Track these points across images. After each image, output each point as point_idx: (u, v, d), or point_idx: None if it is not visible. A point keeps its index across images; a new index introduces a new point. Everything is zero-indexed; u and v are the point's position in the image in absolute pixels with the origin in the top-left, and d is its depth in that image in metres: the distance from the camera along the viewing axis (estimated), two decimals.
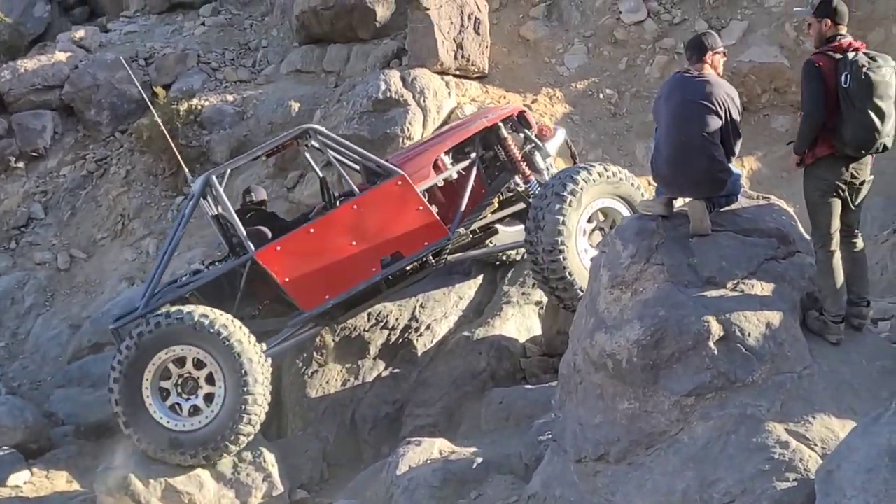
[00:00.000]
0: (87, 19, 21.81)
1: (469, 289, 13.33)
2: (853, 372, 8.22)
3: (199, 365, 11.18)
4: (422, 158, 12.12)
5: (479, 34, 17.16)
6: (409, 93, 16.17)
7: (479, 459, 10.55)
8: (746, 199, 9.12)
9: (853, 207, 8.29)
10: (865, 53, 7.99)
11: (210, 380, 11.20)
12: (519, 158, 12.33)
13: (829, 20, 8.19)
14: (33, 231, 16.66)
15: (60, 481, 12.53)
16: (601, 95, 16.79)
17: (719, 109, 8.51)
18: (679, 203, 8.79)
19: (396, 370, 12.10)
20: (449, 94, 16.44)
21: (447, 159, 12.26)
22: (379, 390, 12.61)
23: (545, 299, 13.17)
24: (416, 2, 16.90)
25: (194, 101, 17.48)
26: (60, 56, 18.69)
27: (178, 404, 11.24)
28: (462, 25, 17.02)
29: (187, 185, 14.28)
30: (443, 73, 16.79)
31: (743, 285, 8.30)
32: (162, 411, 11.16)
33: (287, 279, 11.53)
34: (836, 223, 8.26)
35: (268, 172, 16.22)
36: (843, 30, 8.14)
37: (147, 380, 11.13)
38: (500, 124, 12.37)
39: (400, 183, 11.74)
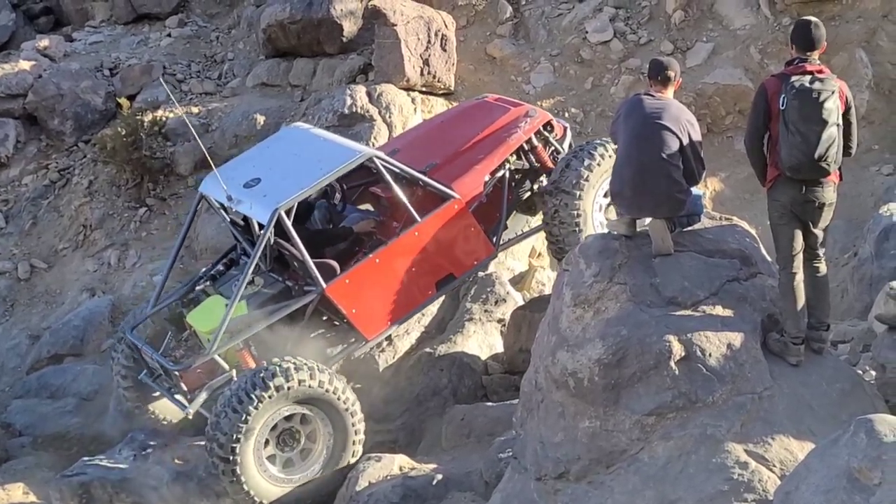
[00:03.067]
0: (52, 28, 21.65)
1: (431, 305, 13.32)
2: (813, 393, 8.27)
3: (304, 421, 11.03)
4: (472, 177, 12.02)
5: (445, 51, 17.21)
6: (375, 108, 16.20)
7: (440, 476, 10.55)
8: (709, 219, 9.16)
9: (814, 230, 8.34)
10: (815, 78, 8.03)
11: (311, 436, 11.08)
12: (550, 165, 12.36)
13: (792, 44, 8.27)
14: None
15: (17, 492, 12.42)
16: (567, 114, 16.85)
17: (679, 132, 8.55)
18: (642, 223, 8.82)
19: (358, 385, 12.07)
20: (415, 109, 16.47)
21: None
22: None
23: (507, 316, 13.22)
24: (383, 17, 16.93)
25: (159, 113, 17.42)
26: (24, 65, 18.58)
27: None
28: (429, 42, 17.07)
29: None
30: (409, 88, 16.83)
31: (705, 306, 8.33)
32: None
33: (354, 311, 11.44)
34: (797, 245, 8.30)
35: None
36: (809, 55, 8.17)
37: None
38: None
39: (457, 206, 11.75)
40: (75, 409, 14.12)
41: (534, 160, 12.48)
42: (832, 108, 7.94)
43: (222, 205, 11.89)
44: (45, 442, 13.78)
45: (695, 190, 8.81)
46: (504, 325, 13.40)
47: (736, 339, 8.16)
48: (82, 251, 16.35)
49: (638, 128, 8.61)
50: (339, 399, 10.92)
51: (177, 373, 11.30)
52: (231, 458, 10.53)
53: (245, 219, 11.93)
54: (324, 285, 11.22)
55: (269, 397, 10.53)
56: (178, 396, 11.59)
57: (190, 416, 11.38)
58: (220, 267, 12.33)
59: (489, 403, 12.04)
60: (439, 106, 16.86)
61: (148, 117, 17.26)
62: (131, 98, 18.03)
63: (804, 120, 7.92)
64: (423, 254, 11.67)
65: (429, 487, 10.42)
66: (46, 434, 13.85)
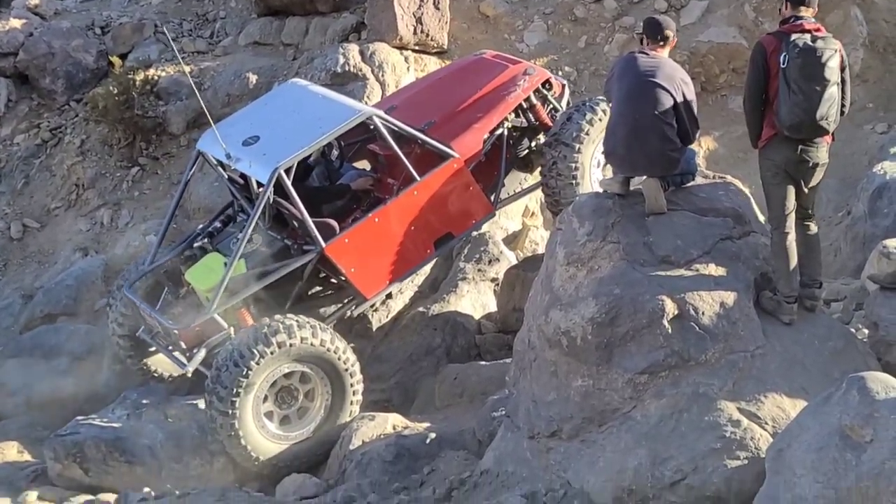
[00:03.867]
0: None
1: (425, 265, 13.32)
2: (805, 352, 8.29)
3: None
4: (472, 136, 12.00)
5: (438, 9, 17.12)
6: (368, 67, 16.13)
7: (433, 435, 10.57)
8: (703, 178, 9.15)
9: (806, 190, 8.33)
10: (815, 36, 8.01)
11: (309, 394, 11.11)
12: (548, 123, 12.35)
13: (785, 1, 8.23)
14: None
15: (11, 451, 12.44)
16: (560, 73, 16.77)
17: (673, 90, 8.53)
18: (636, 182, 8.81)
19: (351, 345, 12.07)
20: (407, 68, 16.41)
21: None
22: None
23: (501, 276, 13.20)
24: None
25: (151, 72, 17.35)
26: (15, 23, 18.46)
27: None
28: (422, 0, 16.97)
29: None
30: (402, 47, 16.75)
31: (698, 264, 8.33)
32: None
33: (353, 270, 11.44)
34: (789, 205, 8.30)
35: None
36: (804, 12, 8.14)
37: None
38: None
39: (456, 165, 11.74)
40: (69, 369, 14.11)
41: (532, 118, 12.46)
42: (834, 68, 7.93)
43: (220, 162, 11.83)
44: (39, 401, 13.78)
45: (688, 149, 8.79)
46: (497, 285, 13.39)
47: (729, 297, 8.16)
48: (75, 210, 16.32)
49: (632, 86, 8.59)
50: (339, 359, 10.95)
51: (175, 331, 11.29)
52: (230, 412, 10.57)
53: (243, 176, 11.90)
54: (323, 244, 11.20)
55: (271, 353, 10.58)
56: (176, 354, 11.60)
57: (189, 374, 11.43)
58: (218, 224, 12.29)
59: (482, 363, 12.05)
60: (432, 64, 16.79)
61: (140, 76, 17.18)
62: (123, 57, 17.93)
63: (806, 79, 7.89)
64: (421, 213, 11.66)
65: (422, 446, 10.44)
66: (40, 393, 13.83)
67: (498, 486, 8.91)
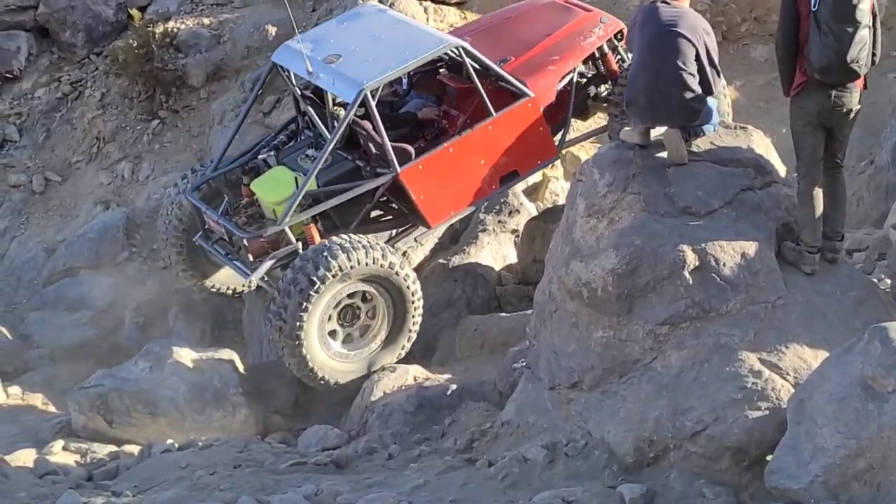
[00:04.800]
0: None
1: None
2: (827, 302, 8.25)
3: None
4: (547, 78, 12.10)
5: None
6: None
7: (454, 386, 10.59)
8: (724, 128, 9.07)
9: (839, 137, 8.27)
10: None
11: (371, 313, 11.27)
12: (617, 72, 12.42)
13: None
14: (8, 153, 16.56)
15: (36, 403, 12.54)
16: None
17: (695, 40, 8.45)
18: (656, 133, 8.75)
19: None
20: (427, 20, 16.30)
21: None
22: None
23: (521, 227, 13.17)
24: None
25: (170, 24, 17.29)
26: None
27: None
28: None
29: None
30: None
31: (719, 215, 8.28)
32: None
33: (422, 197, 11.50)
34: (819, 153, 8.23)
35: (244, 97, 16.08)
36: None
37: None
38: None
39: (530, 105, 11.80)
40: (91, 322, 14.21)
41: (602, 66, 12.50)
42: (865, 10, 7.83)
43: (293, 75, 11.91)
44: (63, 354, 13.87)
45: (710, 99, 8.72)
46: (517, 236, 13.37)
47: (750, 248, 8.11)
48: (96, 164, 16.33)
49: (653, 36, 8.51)
50: (404, 281, 11.08)
51: (244, 240, 11.32)
52: (295, 332, 10.70)
53: (316, 93, 11.95)
54: (399, 169, 11.25)
55: (341, 272, 10.67)
56: (237, 263, 11.68)
57: (252, 285, 11.57)
58: (282, 138, 12.32)
59: (503, 314, 12.05)
60: (452, 16, 16.69)
61: (159, 29, 17.13)
62: (142, 9, 17.89)
63: (837, 20, 7.79)
64: (493, 148, 11.76)
65: (443, 397, 10.47)
66: (63, 346, 13.93)
67: (519, 437, 8.92)
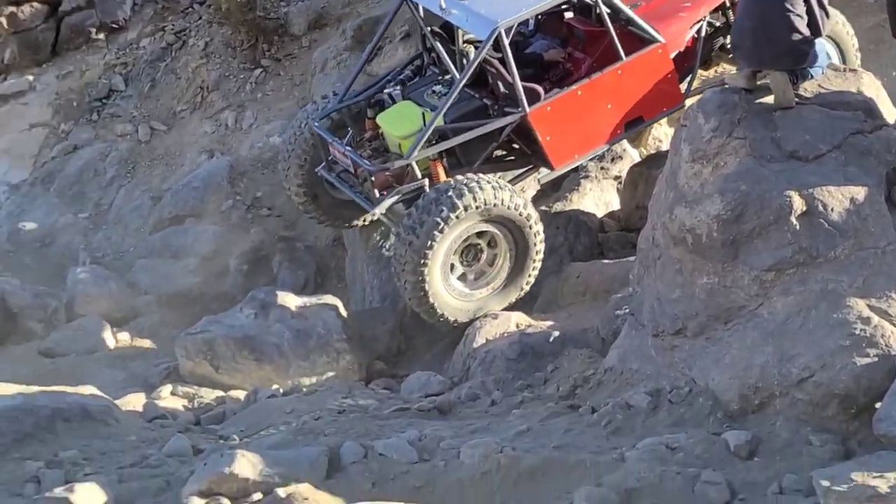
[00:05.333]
0: None
1: None
2: None
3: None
4: (678, 24, 12.06)
5: None
6: None
7: (556, 333, 10.57)
8: (832, 71, 8.91)
9: None
10: None
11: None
12: None
13: None
14: (114, 103, 16.72)
15: (144, 349, 12.76)
16: None
17: None
18: (763, 76, 8.62)
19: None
20: None
21: None
22: None
23: (624, 173, 13.07)
24: None
25: None
26: None
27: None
28: None
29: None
30: None
31: (827, 159, 8.15)
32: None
33: (548, 138, 11.50)
34: None
35: (346, 45, 16.09)
36: None
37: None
38: None
39: (660, 51, 11.76)
40: (197, 269, 14.36)
41: (730, 16, 12.31)
42: None
43: (423, 10, 11.91)
44: (170, 300, 14.05)
45: (817, 41, 8.56)
46: (620, 183, 13.26)
47: (859, 193, 7.98)
48: (200, 113, 16.44)
49: None
50: (527, 223, 11.09)
51: (371, 172, 11.36)
52: (419, 269, 10.77)
53: (445, 29, 12.00)
54: (528, 109, 11.24)
55: (466, 212, 10.72)
56: (360, 196, 11.76)
57: (374, 217, 11.67)
58: (408, 72, 12.37)
59: (605, 261, 11.98)
60: None
61: None
62: None
63: None
64: (621, 93, 11.70)
65: (545, 344, 10.46)
66: (170, 293, 14.11)
67: (622, 384, 8.89)
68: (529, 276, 11.41)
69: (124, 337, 13.11)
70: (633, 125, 12.02)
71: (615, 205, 13.15)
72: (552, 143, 11.56)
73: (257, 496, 7.93)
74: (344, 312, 12.12)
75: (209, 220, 14.97)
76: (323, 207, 12.80)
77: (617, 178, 13.25)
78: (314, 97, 15.64)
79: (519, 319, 11.03)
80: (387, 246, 12.95)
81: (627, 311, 9.45)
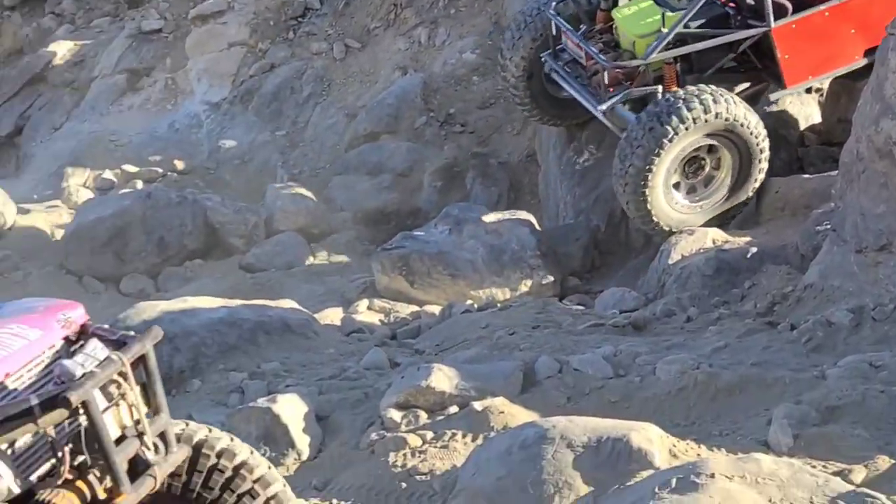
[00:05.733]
0: None
1: None
2: None
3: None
4: None
5: None
6: None
7: (754, 249, 10.40)
8: None
9: None
10: None
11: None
12: None
13: None
14: (310, 21, 16.87)
15: (340, 263, 12.99)
16: None
17: None
18: None
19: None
20: None
21: None
22: None
23: (826, 86, 12.70)
24: None
25: None
26: None
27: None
28: None
29: None
30: None
31: None
32: None
33: (787, 56, 11.28)
34: None
35: None
36: None
37: None
38: None
39: None
40: (392, 185, 14.51)
41: None
42: None
43: None
44: (365, 217, 14.24)
45: None
46: (822, 95, 12.90)
47: None
48: (393, 30, 16.49)
49: None
50: (752, 134, 10.91)
51: (605, 66, 11.23)
52: (643, 176, 10.68)
53: None
54: (773, 24, 11.04)
55: (694, 123, 10.58)
56: (585, 90, 11.64)
57: (600, 115, 11.40)
58: None
59: (805, 175, 11.70)
60: None
61: None
62: None
63: None
64: (868, 19, 11.22)
65: (742, 260, 10.30)
66: (365, 209, 14.29)
67: (822, 301, 8.72)
68: (750, 192, 11.24)
69: (321, 253, 13.37)
70: (871, 53, 11.53)
71: (816, 118, 12.80)
72: (789, 62, 11.27)
73: (453, 409, 8.03)
74: (538, 228, 12.14)
75: (403, 136, 15.09)
76: (535, 98, 12.59)
77: (818, 90, 12.89)
78: (506, 13, 15.58)
79: (715, 235, 10.87)
80: (580, 161, 12.88)
81: (828, 226, 9.23)
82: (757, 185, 11.24)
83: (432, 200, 14.16)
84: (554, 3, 11.89)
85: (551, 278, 11.59)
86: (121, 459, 4.34)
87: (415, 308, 11.19)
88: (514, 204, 13.77)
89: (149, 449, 4.53)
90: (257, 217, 14.04)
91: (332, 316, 10.91)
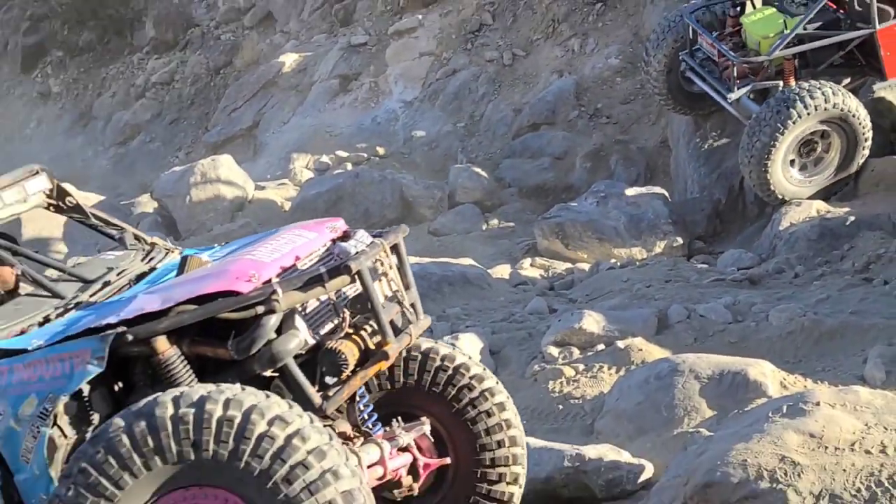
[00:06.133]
0: None
1: None
2: None
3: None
4: None
5: None
6: None
7: (852, 218, 10.15)
8: None
9: None
10: None
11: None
12: None
13: None
14: (484, 34, 16.84)
15: (508, 230, 13.04)
16: None
17: None
18: None
19: None
20: None
21: None
22: None
23: None
24: None
25: None
26: None
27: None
28: None
29: None
30: None
31: None
32: None
33: (888, 53, 10.90)
34: None
35: None
36: None
37: None
38: None
39: None
40: (550, 166, 14.46)
41: None
42: None
43: None
44: (528, 192, 14.22)
45: None
46: None
47: None
48: (551, 41, 16.35)
49: None
50: (859, 123, 10.59)
51: (734, 62, 11.08)
52: (765, 155, 10.45)
53: None
54: (878, 26, 10.70)
55: (808, 113, 10.34)
56: (716, 82, 11.43)
57: (727, 104, 11.24)
58: None
59: None
60: None
61: None
62: None
63: None
64: None
65: (842, 227, 10.07)
66: (528, 185, 14.28)
67: None
68: (853, 171, 10.89)
69: (493, 221, 13.41)
70: None
71: None
72: (891, 58, 10.85)
73: (600, 346, 8.03)
74: (669, 201, 12.01)
75: (559, 127, 15.01)
76: (671, 91, 12.36)
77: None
78: (645, 25, 15.34)
79: (819, 206, 10.59)
80: (705, 146, 12.67)
81: None
82: (859, 166, 10.88)
83: (583, 178, 14.06)
84: (692, 11, 11.72)
85: (680, 241, 11.43)
86: (386, 319, 4.56)
87: (568, 265, 11.17)
88: (650, 181, 13.60)
89: (405, 314, 4.78)
90: (442, 192, 14.13)
91: (501, 271, 10.97)
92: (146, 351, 4.37)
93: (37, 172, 5.15)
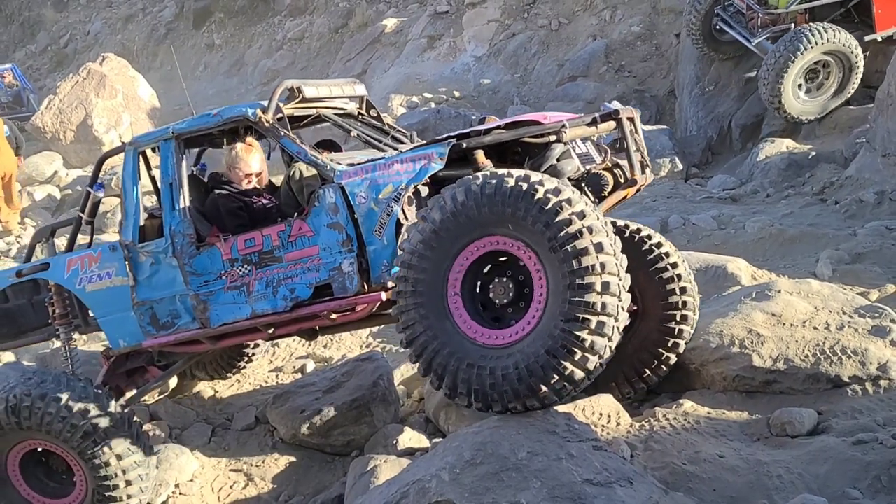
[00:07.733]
0: None
1: None
2: None
3: None
4: None
5: None
6: None
7: (813, 153, 9.92)
8: None
9: None
10: None
11: None
12: None
13: None
14: (538, 5, 16.48)
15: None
16: None
17: None
18: None
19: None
20: None
21: None
22: (750, 107, 11.88)
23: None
24: None
25: None
26: None
27: None
28: None
29: None
30: None
31: None
32: None
33: (879, 11, 10.45)
34: None
35: None
36: None
37: None
38: None
39: None
40: (583, 109, 14.14)
41: None
42: None
43: None
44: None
45: None
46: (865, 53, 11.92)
47: None
48: (588, 12, 15.94)
49: None
50: (853, 54, 10.18)
51: (759, 13, 10.83)
52: (778, 81, 10.17)
53: None
54: None
55: (812, 46, 10.01)
56: (742, 31, 11.17)
57: (752, 46, 10.93)
58: None
59: (850, 107, 10.92)
60: None
61: None
62: None
63: None
64: None
65: (805, 160, 9.86)
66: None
67: (856, 187, 8.31)
68: (845, 97, 10.45)
69: None
70: None
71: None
72: (882, 15, 10.42)
73: None
74: (674, 136, 11.81)
75: (592, 78, 14.76)
76: (704, 37, 12.08)
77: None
78: (661, 1, 14.88)
79: (788, 143, 10.36)
80: (703, 95, 12.41)
81: (864, 140, 8.68)
82: (850, 93, 10.45)
83: None
84: None
85: (681, 167, 11.26)
86: (636, 159, 4.59)
87: None
88: (660, 121, 13.38)
89: (643, 160, 4.75)
90: None
91: None
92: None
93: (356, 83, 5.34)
